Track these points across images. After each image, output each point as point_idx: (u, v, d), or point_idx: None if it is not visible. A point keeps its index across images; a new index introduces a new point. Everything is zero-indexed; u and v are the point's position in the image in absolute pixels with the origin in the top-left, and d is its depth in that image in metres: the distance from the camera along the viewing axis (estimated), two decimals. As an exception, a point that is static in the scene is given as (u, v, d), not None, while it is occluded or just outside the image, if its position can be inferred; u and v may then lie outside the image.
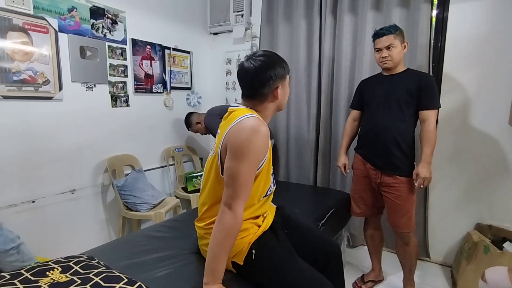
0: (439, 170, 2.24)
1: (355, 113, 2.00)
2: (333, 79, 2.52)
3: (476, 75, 2.06)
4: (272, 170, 1.25)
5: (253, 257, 1.14)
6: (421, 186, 1.66)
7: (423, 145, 1.68)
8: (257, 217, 1.23)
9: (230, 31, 3.04)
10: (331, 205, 1.97)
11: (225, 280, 1.06)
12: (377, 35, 1.73)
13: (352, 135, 2.03)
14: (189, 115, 2.77)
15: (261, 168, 1.12)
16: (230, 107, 1.20)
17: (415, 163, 1.78)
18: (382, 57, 1.73)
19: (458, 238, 2.21)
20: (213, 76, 3.29)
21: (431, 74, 2.10)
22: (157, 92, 2.72)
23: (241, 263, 1.15)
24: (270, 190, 1.25)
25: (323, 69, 2.53)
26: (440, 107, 1.72)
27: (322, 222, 1.77)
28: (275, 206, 1.42)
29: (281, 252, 1.17)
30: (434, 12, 2.16)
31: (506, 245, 1.90)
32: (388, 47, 1.69)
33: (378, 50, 1.75)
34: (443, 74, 2.17)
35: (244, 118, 1.09)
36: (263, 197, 1.21)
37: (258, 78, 1.12)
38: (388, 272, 2.18)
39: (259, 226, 1.21)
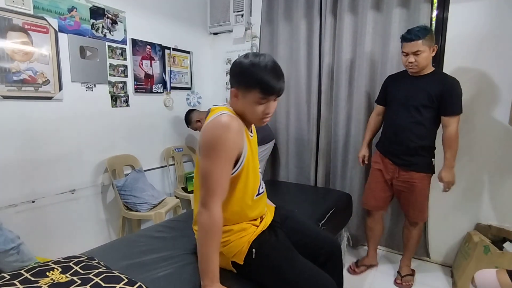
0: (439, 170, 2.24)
1: (379, 108, 2.04)
2: (333, 79, 2.52)
3: (476, 75, 2.06)
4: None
5: (253, 256, 1.13)
6: (446, 190, 1.75)
7: (445, 150, 1.74)
8: (255, 219, 1.22)
9: (230, 31, 3.04)
10: (331, 205, 1.97)
11: (226, 280, 1.06)
12: (406, 39, 1.69)
13: (375, 129, 2.08)
14: (190, 112, 2.77)
15: (241, 166, 1.10)
16: (212, 106, 1.18)
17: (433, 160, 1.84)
18: (409, 62, 1.71)
19: (458, 238, 2.21)
20: (213, 76, 3.28)
21: None
22: (157, 92, 2.72)
23: (241, 263, 1.14)
24: (262, 188, 1.24)
25: (323, 69, 2.53)
26: (462, 112, 1.71)
27: (322, 222, 1.77)
28: (274, 206, 1.42)
29: (281, 251, 1.17)
30: (434, 13, 2.16)
31: (506, 245, 1.90)
32: (415, 53, 1.67)
33: (405, 54, 1.72)
34: (443, 74, 2.17)
35: (215, 116, 1.06)
36: (256, 195, 1.20)
37: (231, 67, 1.12)
38: (383, 271, 2.18)
39: (258, 226, 1.21)
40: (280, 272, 1.12)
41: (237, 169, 1.10)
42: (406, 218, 2.00)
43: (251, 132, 1.22)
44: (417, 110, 1.75)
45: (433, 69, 1.78)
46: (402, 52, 1.75)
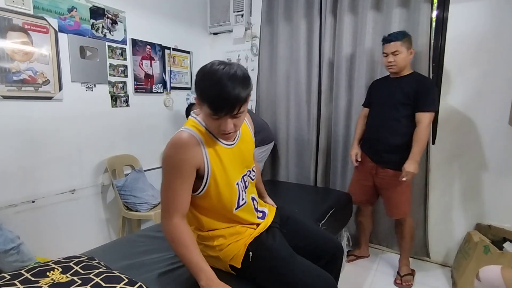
0: (439, 170, 2.25)
1: (365, 110, 2.16)
2: (333, 79, 2.52)
3: (476, 75, 2.06)
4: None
5: (250, 259, 1.13)
6: (404, 179, 1.83)
7: (414, 143, 1.83)
8: (247, 224, 1.20)
9: (230, 31, 3.04)
10: (331, 205, 1.97)
11: (226, 282, 1.06)
12: (386, 40, 1.85)
13: (362, 131, 2.18)
14: (190, 106, 2.77)
15: (207, 183, 1.06)
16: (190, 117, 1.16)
17: None
18: (389, 62, 1.86)
19: (458, 238, 2.21)
20: (213, 76, 3.28)
21: (431, 73, 2.11)
22: (157, 92, 2.72)
23: (239, 266, 1.13)
24: (243, 199, 1.16)
25: (323, 69, 2.53)
26: (436, 110, 1.81)
27: (322, 222, 1.77)
28: (275, 206, 1.41)
29: (278, 252, 1.16)
30: (435, 13, 2.17)
31: (506, 245, 1.90)
32: (394, 53, 1.82)
33: (386, 54, 1.87)
34: (443, 74, 2.17)
35: (175, 134, 1.07)
36: (236, 209, 1.14)
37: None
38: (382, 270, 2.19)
39: (255, 229, 1.20)
40: (278, 274, 1.11)
41: (203, 188, 1.07)
42: (388, 216, 2.09)
43: (232, 141, 1.13)
44: (395, 107, 1.88)
45: (411, 71, 1.91)
46: (383, 53, 1.89)
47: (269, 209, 1.35)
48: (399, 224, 2.06)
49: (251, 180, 1.24)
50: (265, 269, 1.13)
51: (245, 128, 1.24)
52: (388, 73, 2.02)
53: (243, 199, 1.16)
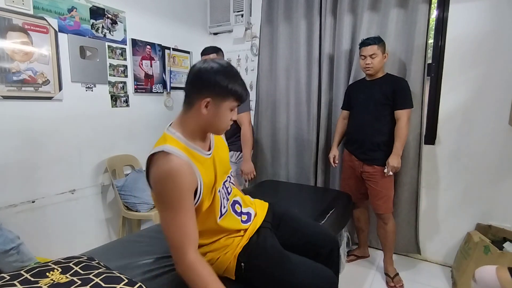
0: (439, 170, 2.25)
1: (345, 113, 2.28)
2: (333, 79, 2.52)
3: (476, 75, 2.06)
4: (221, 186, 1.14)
5: (243, 270, 1.11)
6: (390, 173, 1.96)
7: (395, 139, 1.96)
8: (233, 233, 1.17)
9: (230, 31, 3.04)
10: (331, 205, 1.97)
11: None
12: (364, 44, 1.99)
13: (342, 131, 2.30)
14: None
15: (200, 197, 1.02)
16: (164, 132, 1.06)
17: None
18: (366, 64, 1.98)
19: (458, 238, 2.21)
20: (213, 76, 3.28)
21: (427, 74, 2.14)
22: (157, 92, 2.72)
23: (233, 278, 1.13)
24: (225, 207, 1.14)
25: (323, 69, 2.53)
26: (412, 107, 1.97)
27: (322, 222, 1.77)
28: (267, 203, 1.38)
29: (270, 257, 1.13)
30: (435, 13, 2.17)
31: (506, 245, 1.90)
32: (371, 56, 1.95)
33: (363, 57, 2.00)
34: (443, 74, 2.17)
35: (154, 157, 0.96)
36: (219, 218, 1.11)
37: (191, 76, 1.03)
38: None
39: (242, 236, 1.17)
40: (275, 277, 1.10)
41: (195, 204, 1.02)
42: (376, 214, 2.14)
43: (209, 149, 1.12)
44: (375, 107, 2.01)
45: (385, 73, 2.05)
46: (361, 56, 2.02)
47: (259, 207, 1.32)
48: (383, 224, 2.10)
49: (232, 185, 1.23)
50: (260, 276, 1.12)
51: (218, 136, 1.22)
52: (363, 77, 2.15)
53: (224, 207, 1.13)
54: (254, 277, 1.12)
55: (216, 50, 2.27)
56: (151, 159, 0.98)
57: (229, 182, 1.21)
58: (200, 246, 1.10)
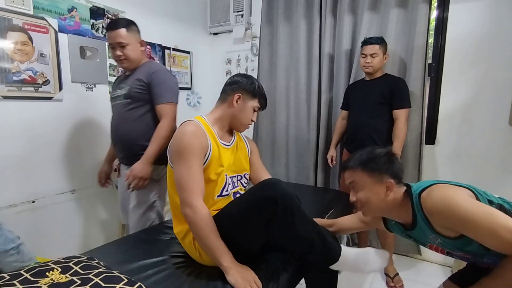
0: (439, 170, 2.24)
1: (344, 113, 2.29)
2: (333, 79, 2.52)
3: (476, 75, 2.06)
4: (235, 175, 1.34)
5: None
6: None
7: (394, 139, 1.97)
8: None
9: (230, 31, 3.04)
10: (331, 205, 1.97)
11: (208, 281, 1.09)
12: (366, 42, 2.00)
13: (341, 132, 2.32)
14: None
15: (206, 162, 1.21)
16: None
17: None
18: (366, 62, 2.00)
19: (458, 238, 2.20)
20: (213, 76, 3.28)
21: (426, 74, 2.14)
22: (157, 92, 2.72)
23: None
24: (227, 191, 1.29)
25: (323, 69, 2.53)
26: (410, 107, 1.99)
27: (322, 222, 1.76)
28: None
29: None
30: (435, 13, 2.17)
31: (506, 245, 1.90)
32: (372, 55, 1.97)
33: (364, 55, 2.01)
34: (443, 74, 2.17)
35: (179, 126, 1.24)
36: (218, 196, 1.27)
37: (229, 80, 1.36)
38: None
39: None
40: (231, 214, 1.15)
41: (204, 163, 1.21)
42: None
43: (229, 142, 1.35)
44: (373, 107, 2.02)
45: (384, 73, 2.06)
46: (362, 54, 2.02)
47: None
48: None
49: (241, 186, 1.35)
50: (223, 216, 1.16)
51: (240, 138, 1.45)
52: (362, 77, 2.16)
53: (227, 190, 1.29)
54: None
55: (128, 23, 1.68)
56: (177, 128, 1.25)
57: (239, 181, 1.36)
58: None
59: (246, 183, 1.40)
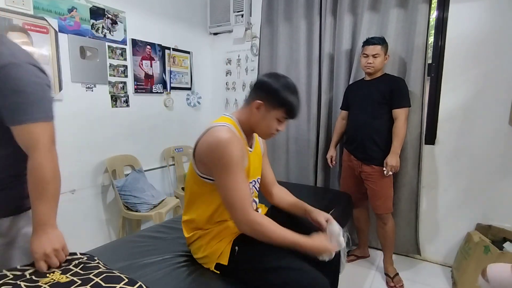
0: (439, 170, 2.25)
1: (343, 113, 2.29)
2: (333, 79, 2.52)
3: (476, 75, 2.06)
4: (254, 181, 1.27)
5: (236, 254, 1.13)
6: (389, 173, 1.95)
7: (393, 138, 1.97)
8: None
9: (230, 31, 3.04)
10: (331, 205, 1.97)
11: (211, 280, 1.09)
12: (368, 43, 1.99)
13: (340, 132, 2.32)
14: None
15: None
16: (223, 115, 1.24)
17: None
18: (368, 63, 1.99)
19: (458, 238, 2.21)
20: (213, 76, 3.29)
21: (426, 73, 2.14)
22: (157, 92, 2.72)
23: (226, 264, 1.14)
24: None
25: (323, 69, 2.53)
26: (410, 106, 1.99)
27: (322, 222, 1.76)
28: (267, 207, 1.42)
29: (265, 251, 1.12)
30: (435, 13, 2.17)
31: (506, 245, 1.90)
32: (374, 55, 1.96)
33: (366, 56, 2.00)
34: (443, 74, 2.17)
35: (217, 131, 1.09)
36: None
37: (257, 80, 1.22)
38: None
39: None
40: (263, 273, 1.08)
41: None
42: (375, 214, 2.13)
43: (251, 146, 1.26)
44: (372, 107, 2.02)
45: (383, 73, 2.06)
46: (363, 54, 2.02)
47: (263, 210, 1.37)
48: (382, 224, 2.10)
49: (255, 190, 1.30)
50: (250, 267, 1.11)
51: (257, 141, 1.33)
52: (361, 77, 2.16)
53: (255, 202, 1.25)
54: (245, 264, 1.12)
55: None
56: (210, 130, 1.11)
57: (254, 186, 1.29)
58: (206, 228, 1.20)
59: (258, 188, 1.35)
